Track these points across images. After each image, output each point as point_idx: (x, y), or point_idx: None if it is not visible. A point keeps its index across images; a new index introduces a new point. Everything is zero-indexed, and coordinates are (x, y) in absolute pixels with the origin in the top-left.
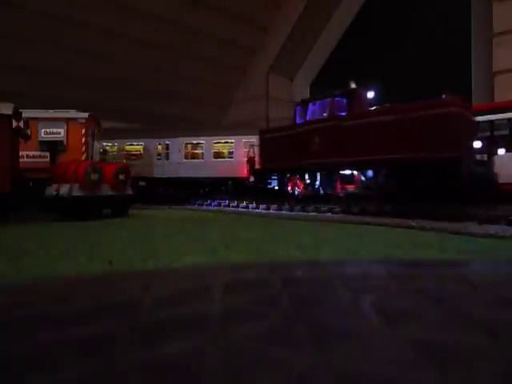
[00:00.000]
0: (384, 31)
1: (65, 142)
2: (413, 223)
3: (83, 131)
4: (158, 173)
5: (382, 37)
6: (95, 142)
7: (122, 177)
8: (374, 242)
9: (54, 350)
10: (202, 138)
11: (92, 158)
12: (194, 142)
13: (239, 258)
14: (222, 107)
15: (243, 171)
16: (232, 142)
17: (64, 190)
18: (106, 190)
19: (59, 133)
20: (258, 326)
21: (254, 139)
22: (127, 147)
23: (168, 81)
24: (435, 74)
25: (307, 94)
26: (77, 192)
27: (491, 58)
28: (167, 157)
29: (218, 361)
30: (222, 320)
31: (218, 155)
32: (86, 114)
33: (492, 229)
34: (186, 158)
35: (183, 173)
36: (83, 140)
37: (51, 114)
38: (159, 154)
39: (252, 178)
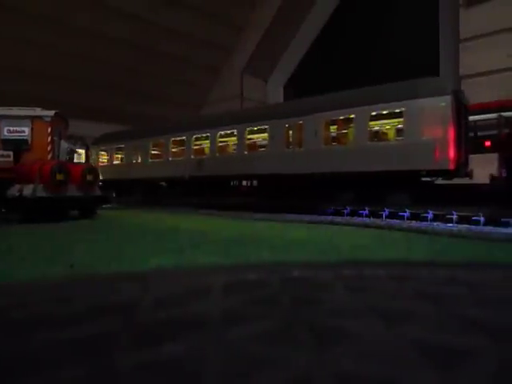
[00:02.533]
0: (356, 34)
1: (29, 141)
2: (382, 223)
3: (49, 130)
4: (285, 168)
5: (354, 39)
6: (62, 141)
7: (89, 177)
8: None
9: (53, 349)
10: (353, 109)
11: (58, 157)
12: (341, 117)
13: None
14: (196, 107)
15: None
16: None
17: (27, 190)
18: (73, 191)
19: (23, 131)
20: (256, 326)
21: None
22: (195, 141)
23: (141, 80)
24: (404, 77)
25: (281, 95)
26: (41, 193)
27: (458, 63)
28: (300, 143)
29: (217, 361)
30: (220, 320)
31: (377, 136)
32: (52, 112)
33: (457, 228)
34: (325, 143)
35: (320, 166)
36: (49, 139)
37: (15, 111)
38: (289, 141)
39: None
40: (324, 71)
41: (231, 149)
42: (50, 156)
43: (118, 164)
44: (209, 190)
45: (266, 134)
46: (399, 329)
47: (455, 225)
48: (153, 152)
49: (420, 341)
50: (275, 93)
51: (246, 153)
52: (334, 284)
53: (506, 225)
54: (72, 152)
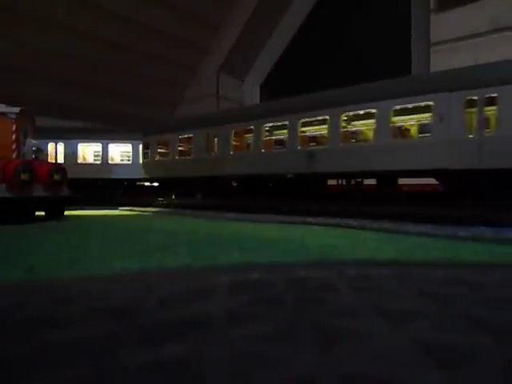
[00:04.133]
0: (333, 34)
1: None
2: (354, 223)
3: (14, 127)
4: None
5: (331, 39)
6: (28, 139)
7: (57, 177)
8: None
9: (55, 350)
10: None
11: (24, 156)
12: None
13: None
14: (172, 106)
15: None
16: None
17: None
18: (39, 191)
19: None
20: (259, 325)
21: None
22: (302, 128)
23: (116, 78)
24: (379, 78)
25: (257, 95)
26: (4, 193)
27: (429, 66)
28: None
29: (220, 361)
30: (224, 320)
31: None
32: (17, 109)
33: (425, 228)
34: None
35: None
36: (13, 137)
37: None
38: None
39: None
40: (300, 71)
41: (367, 136)
42: (14, 155)
43: (181, 159)
44: (320, 191)
45: (429, 114)
46: (403, 328)
47: (426, 224)
48: (234, 143)
49: (423, 340)
50: (252, 92)
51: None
52: (337, 284)
53: (473, 224)
54: (40, 151)
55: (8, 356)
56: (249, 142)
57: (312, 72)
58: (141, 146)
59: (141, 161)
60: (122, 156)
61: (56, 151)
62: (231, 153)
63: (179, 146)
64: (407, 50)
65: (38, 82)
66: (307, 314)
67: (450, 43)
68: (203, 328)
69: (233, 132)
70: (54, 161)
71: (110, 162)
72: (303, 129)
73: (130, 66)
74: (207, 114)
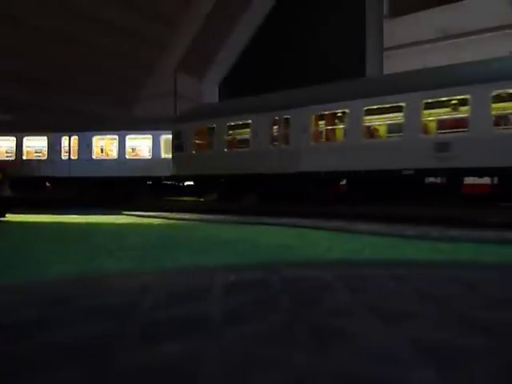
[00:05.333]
0: (292, 35)
1: None
2: (309, 223)
3: None
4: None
5: (289, 40)
6: None
7: None
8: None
9: (52, 350)
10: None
11: None
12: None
13: None
14: (128, 103)
15: None
16: None
17: None
18: None
19: None
20: (256, 326)
21: None
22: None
23: (70, 73)
24: (335, 78)
25: (216, 94)
26: None
27: (382, 70)
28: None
29: (216, 361)
30: (220, 321)
31: None
32: None
33: (378, 227)
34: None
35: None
36: None
37: None
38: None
39: None
40: (259, 71)
41: None
42: None
43: (231, 152)
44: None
45: None
46: (399, 328)
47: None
48: (317, 129)
49: (420, 340)
50: (210, 91)
51: None
52: (333, 284)
53: (419, 222)
54: None
55: (4, 357)
56: (344, 127)
57: (271, 72)
58: (163, 138)
59: (163, 155)
60: (139, 149)
61: (69, 146)
62: (312, 143)
63: (228, 136)
64: (363, 53)
65: None
66: (303, 315)
67: (401, 48)
68: (199, 328)
69: (313, 117)
70: (69, 157)
71: (127, 156)
72: (428, 111)
73: (84, 61)
74: (274, 94)
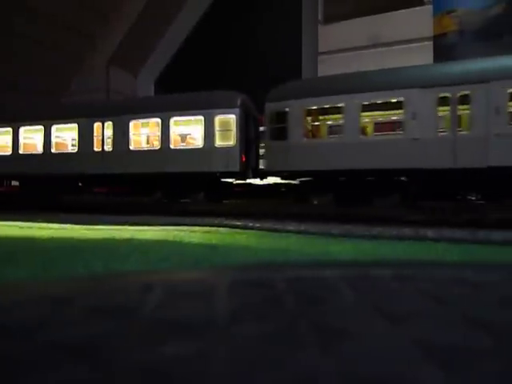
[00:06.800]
0: (228, 34)
1: None
2: (237, 223)
3: None
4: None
5: (226, 40)
6: None
7: None
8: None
9: (52, 350)
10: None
11: None
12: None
13: None
14: (54, 97)
15: None
16: None
17: None
18: None
19: None
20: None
21: None
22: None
23: None
24: (272, 82)
25: (151, 92)
26: None
27: (317, 74)
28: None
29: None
30: (224, 321)
31: None
32: None
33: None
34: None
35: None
36: None
37: None
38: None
39: None
40: (195, 69)
41: None
42: None
43: (368, 140)
44: None
45: None
46: (403, 329)
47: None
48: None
49: (424, 341)
50: (145, 88)
51: None
52: (337, 284)
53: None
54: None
55: (4, 358)
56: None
57: (206, 70)
58: (217, 119)
59: (232, 143)
60: (187, 136)
61: (103, 135)
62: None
63: (364, 118)
64: (299, 55)
65: None
66: (307, 315)
67: (334, 54)
68: (204, 327)
69: (458, 95)
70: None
71: (172, 146)
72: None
73: (7, 51)
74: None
